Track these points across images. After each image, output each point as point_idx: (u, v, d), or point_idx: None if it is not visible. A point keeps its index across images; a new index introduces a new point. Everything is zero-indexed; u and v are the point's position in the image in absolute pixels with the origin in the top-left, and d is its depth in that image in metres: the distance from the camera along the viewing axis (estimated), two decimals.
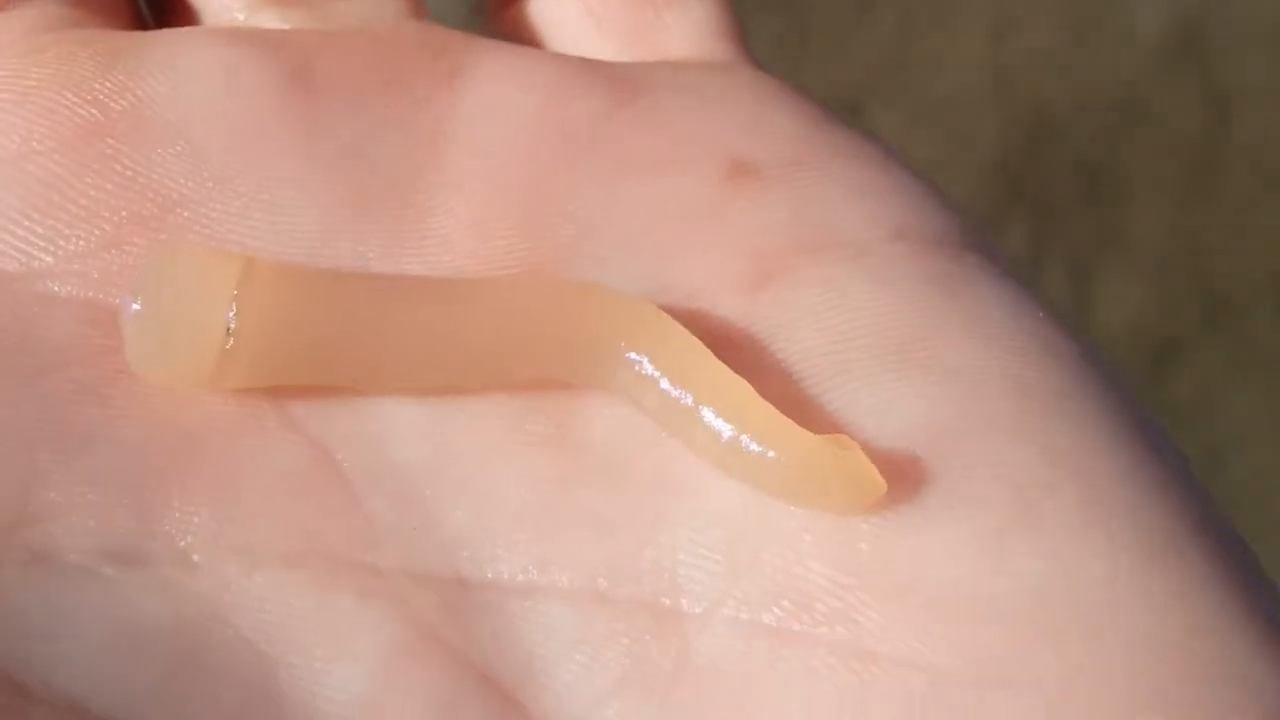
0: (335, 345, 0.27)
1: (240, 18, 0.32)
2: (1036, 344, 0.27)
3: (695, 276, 0.28)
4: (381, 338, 0.27)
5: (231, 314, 0.26)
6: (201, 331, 0.26)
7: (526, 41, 0.34)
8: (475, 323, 0.27)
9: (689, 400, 0.26)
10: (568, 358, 0.27)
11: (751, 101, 0.31)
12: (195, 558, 0.24)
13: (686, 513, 0.26)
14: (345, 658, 0.24)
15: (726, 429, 0.25)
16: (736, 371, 0.26)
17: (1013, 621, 0.23)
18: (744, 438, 0.25)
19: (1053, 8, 1.06)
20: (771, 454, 0.25)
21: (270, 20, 0.31)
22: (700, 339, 0.27)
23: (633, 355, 0.26)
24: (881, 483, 0.24)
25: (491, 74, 0.30)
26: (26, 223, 0.27)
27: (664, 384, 0.26)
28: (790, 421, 0.25)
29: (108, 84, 0.28)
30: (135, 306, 0.26)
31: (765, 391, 0.26)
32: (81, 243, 0.27)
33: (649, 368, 0.26)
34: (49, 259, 0.27)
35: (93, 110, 0.28)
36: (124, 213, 0.27)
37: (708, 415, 0.26)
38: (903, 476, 0.25)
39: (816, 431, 0.25)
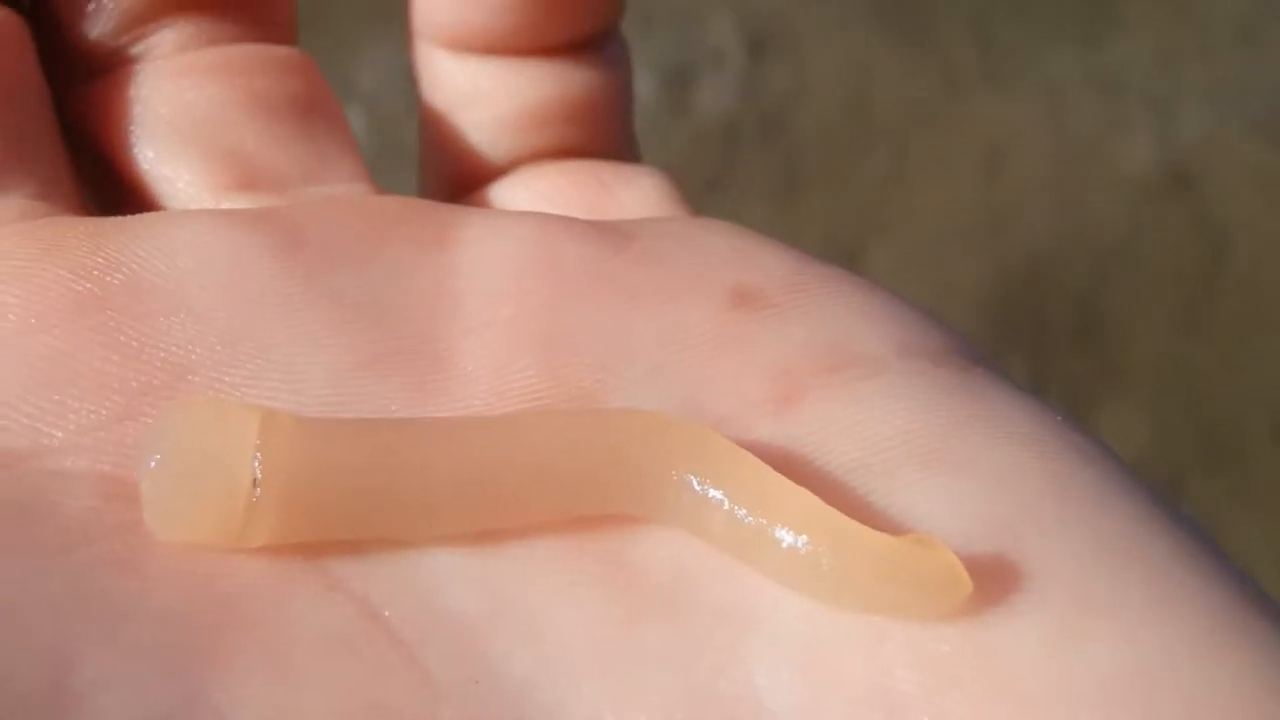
0: (373, 493, 0.25)
1: (208, 201, 0.32)
2: (1062, 444, 0.27)
3: (721, 401, 0.28)
4: (422, 482, 0.26)
5: (257, 465, 0.25)
6: (225, 486, 0.25)
7: None
8: (523, 459, 0.26)
9: (760, 520, 0.25)
10: (624, 488, 0.26)
11: (737, 240, 0.31)
12: None
13: (760, 636, 0.25)
14: None
15: (804, 544, 0.25)
16: None
17: (1097, 705, 0.23)
18: (825, 551, 0.24)
19: (1045, 146, 1.07)
20: (857, 563, 0.24)
21: (243, 204, 0.31)
22: None
23: (692, 480, 0.26)
24: (968, 580, 0.24)
25: (482, 230, 0.30)
26: (32, 399, 0.26)
27: (730, 506, 0.25)
28: (868, 528, 0.25)
29: (100, 259, 0.28)
30: (151, 464, 0.25)
31: None
32: (92, 416, 0.26)
33: (712, 491, 0.25)
34: (59, 434, 0.26)
35: (88, 284, 0.27)
36: (134, 384, 0.27)
37: (782, 532, 0.25)
38: (975, 575, 0.24)
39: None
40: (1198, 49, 1.12)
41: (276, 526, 0.25)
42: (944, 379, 0.28)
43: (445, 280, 0.29)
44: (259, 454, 0.25)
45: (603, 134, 0.36)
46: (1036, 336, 1.01)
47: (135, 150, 0.32)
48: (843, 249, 1.02)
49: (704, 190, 1.04)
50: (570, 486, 0.26)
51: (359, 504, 0.25)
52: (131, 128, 0.32)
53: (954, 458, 0.26)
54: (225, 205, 0.32)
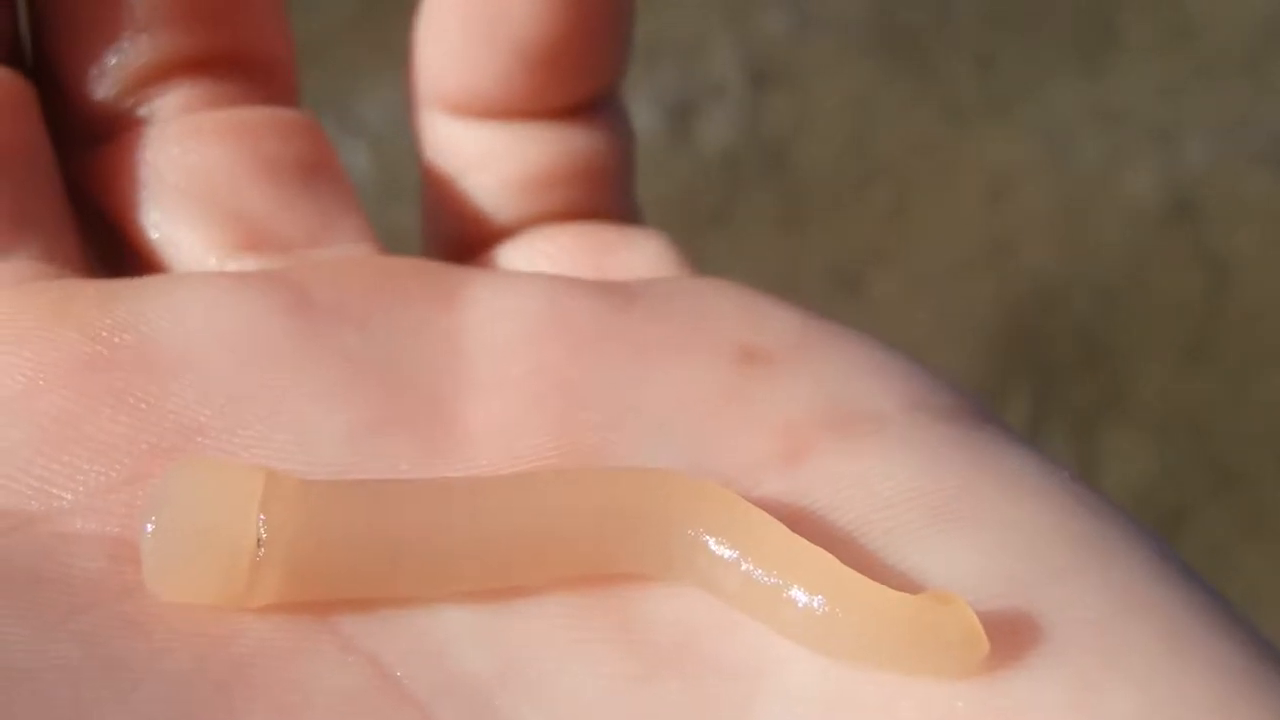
0: (379, 553, 0.25)
1: (214, 263, 0.32)
2: (1072, 499, 0.27)
3: (730, 458, 0.28)
4: (429, 543, 0.25)
5: (261, 524, 0.25)
6: (228, 546, 0.25)
7: None
8: (533, 519, 0.26)
9: (776, 579, 0.25)
10: (637, 548, 0.26)
11: (742, 298, 0.31)
12: None
13: (771, 694, 0.25)
14: None
15: (821, 603, 0.24)
16: None
17: None
18: (840, 609, 0.24)
19: (1047, 177, 1.07)
20: (876, 622, 0.24)
21: (249, 266, 0.31)
22: None
23: (706, 538, 0.25)
24: (985, 640, 0.24)
25: (489, 289, 0.30)
26: (42, 460, 0.26)
27: (745, 565, 0.25)
28: (885, 587, 0.25)
29: (109, 320, 0.28)
30: (150, 525, 0.25)
31: None
32: (102, 478, 0.26)
33: (726, 550, 0.25)
34: (69, 496, 0.26)
35: (97, 346, 0.27)
36: (143, 445, 0.26)
37: (798, 592, 0.25)
38: (988, 630, 0.24)
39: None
40: (1200, 80, 1.12)
41: (281, 586, 0.25)
42: (951, 434, 0.28)
43: (453, 339, 0.29)
44: (263, 514, 0.25)
45: (605, 196, 0.36)
46: (1041, 367, 1.01)
47: (140, 213, 0.33)
48: (845, 280, 1.02)
49: (707, 222, 1.04)
50: (581, 546, 0.26)
51: (365, 564, 0.25)
52: (137, 190, 0.33)
53: (964, 513, 0.26)
54: (231, 267, 0.32)
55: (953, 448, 0.28)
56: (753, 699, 0.25)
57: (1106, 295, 1.04)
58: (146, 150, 0.33)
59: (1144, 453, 0.98)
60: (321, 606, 0.25)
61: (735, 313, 0.31)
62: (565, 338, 0.29)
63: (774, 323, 0.30)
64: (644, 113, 1.04)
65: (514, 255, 0.35)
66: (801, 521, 0.26)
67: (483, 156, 0.35)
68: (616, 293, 0.31)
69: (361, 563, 0.25)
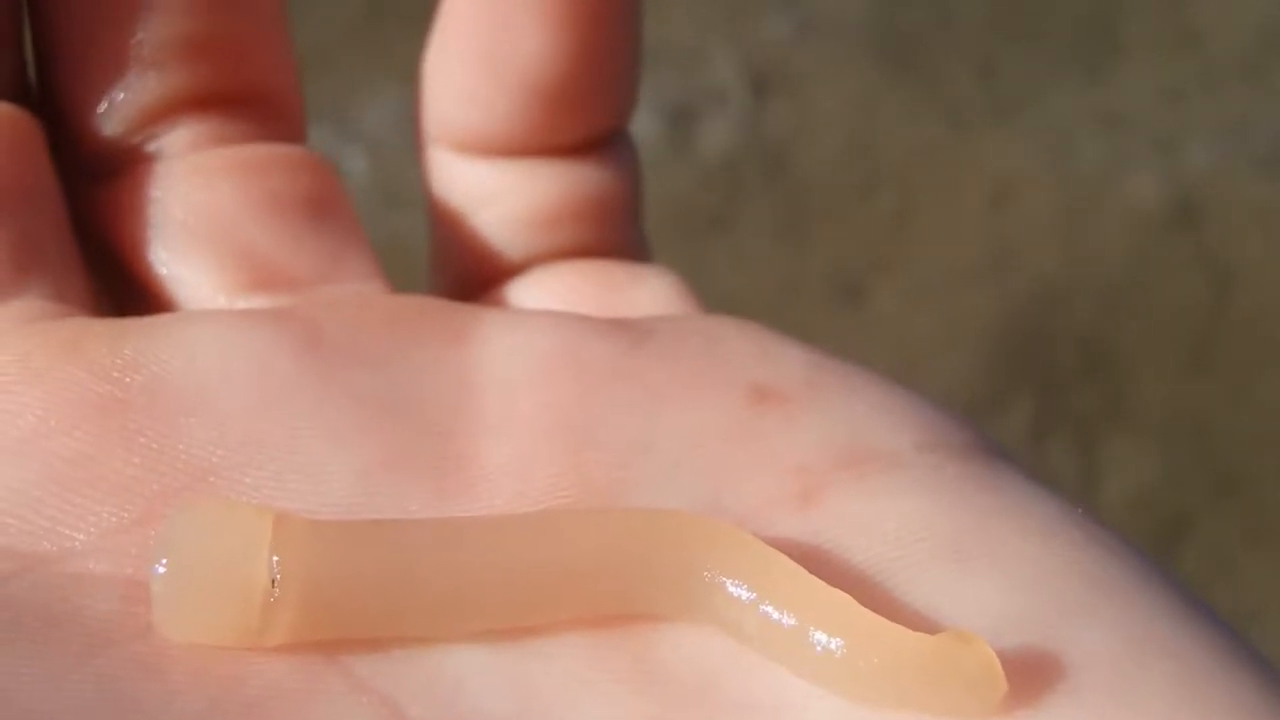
0: (394, 592, 0.25)
1: (222, 301, 0.32)
2: (1086, 537, 0.27)
3: (744, 499, 0.28)
4: (443, 582, 0.25)
5: (276, 564, 0.25)
6: (240, 586, 0.25)
7: None
8: (547, 560, 0.26)
9: (793, 620, 0.25)
10: (653, 589, 0.26)
11: (753, 337, 0.31)
12: None
13: None
14: None
15: (839, 644, 0.24)
16: None
17: None
18: (860, 650, 0.24)
19: (1049, 182, 1.07)
20: (895, 663, 0.24)
21: (258, 304, 0.32)
22: None
23: (724, 580, 0.25)
24: (1003, 679, 0.24)
25: (500, 327, 0.30)
26: (54, 501, 0.26)
27: (764, 607, 0.25)
28: (902, 628, 0.25)
29: (119, 360, 0.28)
30: (161, 568, 0.25)
31: None
32: (113, 519, 0.26)
33: (744, 592, 0.25)
34: (82, 537, 0.26)
35: (108, 386, 0.27)
36: (155, 486, 0.26)
37: (816, 633, 0.25)
38: (1006, 670, 0.24)
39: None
40: (1202, 85, 1.12)
41: (296, 625, 0.25)
42: (964, 472, 0.28)
43: (465, 377, 0.29)
44: (276, 554, 0.25)
45: (614, 233, 0.36)
46: (1043, 373, 1.01)
47: (148, 250, 0.32)
48: (847, 287, 1.02)
49: (707, 229, 1.04)
50: (596, 587, 0.26)
51: (379, 603, 0.25)
52: (145, 228, 0.33)
53: (979, 551, 0.26)
54: (240, 305, 0.32)
55: (967, 486, 0.28)
56: None
57: (1108, 300, 1.04)
58: (154, 187, 0.33)
59: (1146, 458, 0.98)
60: (333, 646, 0.25)
61: (747, 351, 0.31)
62: (577, 376, 0.29)
63: (786, 362, 0.30)
64: (644, 119, 1.04)
65: (522, 293, 0.35)
66: (816, 562, 0.26)
67: (491, 194, 0.35)
68: (627, 331, 0.31)
69: (375, 602, 0.25)
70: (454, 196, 0.36)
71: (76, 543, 0.26)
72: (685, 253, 0.98)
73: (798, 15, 1.12)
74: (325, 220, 0.33)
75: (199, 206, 0.32)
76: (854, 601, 0.25)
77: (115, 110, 0.33)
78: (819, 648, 0.25)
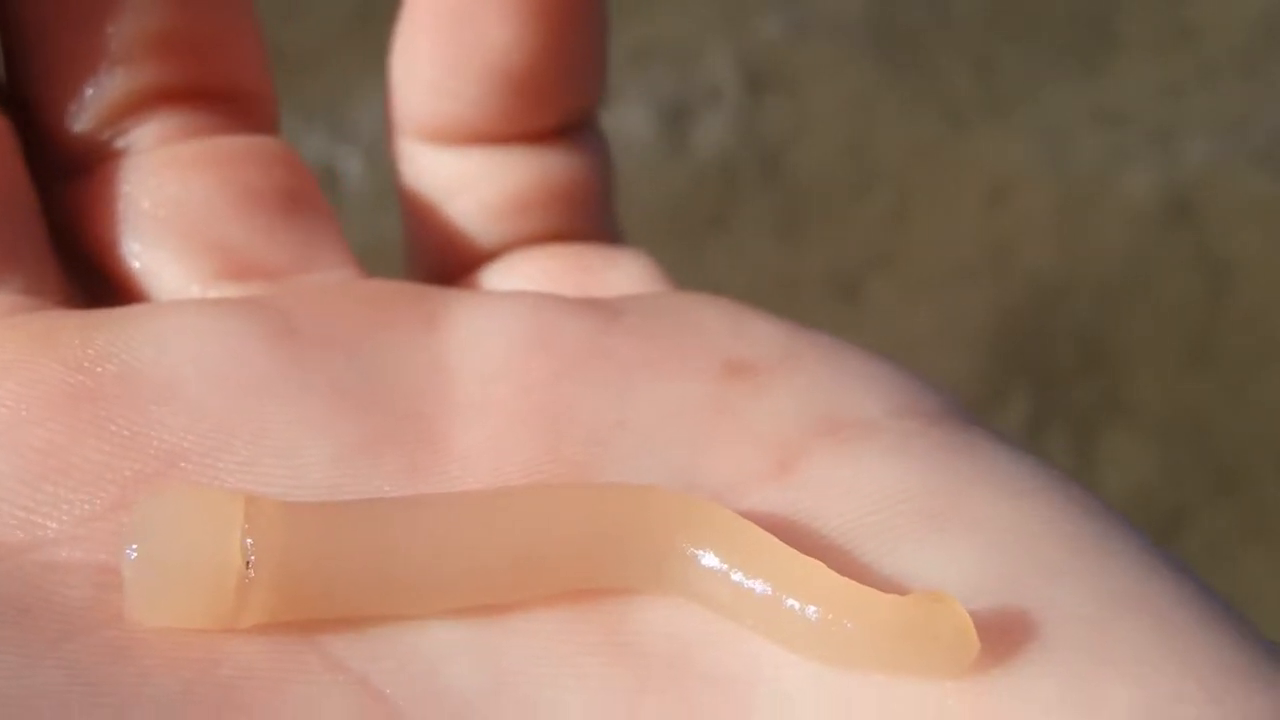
0: (369, 571, 0.25)
1: (196, 292, 0.32)
2: (1060, 498, 0.27)
3: (719, 471, 0.28)
4: (419, 560, 0.26)
5: (250, 547, 0.25)
6: (214, 568, 0.25)
7: None
8: (523, 535, 0.26)
9: (767, 589, 0.25)
10: (628, 563, 0.26)
11: (727, 312, 0.31)
12: None
13: (764, 702, 0.25)
14: None
15: (812, 610, 0.25)
16: None
17: None
18: (832, 615, 0.25)
19: (1046, 179, 1.07)
20: (869, 626, 0.24)
21: (231, 293, 0.32)
22: None
23: (698, 553, 0.26)
24: (976, 638, 0.24)
25: (473, 310, 0.30)
26: (27, 491, 0.26)
27: (738, 578, 0.25)
28: (874, 590, 0.25)
29: (91, 350, 0.28)
30: (133, 553, 0.25)
31: None
32: (87, 507, 0.26)
33: (718, 563, 0.25)
34: (54, 525, 0.26)
35: (80, 376, 0.28)
36: (127, 473, 0.27)
37: (789, 600, 0.25)
38: (980, 629, 0.24)
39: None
40: (1199, 81, 1.12)
41: (270, 606, 0.25)
42: (940, 438, 0.28)
43: (438, 360, 0.29)
44: (250, 535, 0.25)
45: (585, 218, 0.36)
46: (1041, 370, 1.01)
47: (121, 245, 0.33)
48: (844, 285, 1.02)
49: (704, 228, 1.04)
50: (571, 562, 0.26)
51: (353, 582, 0.25)
52: (116, 222, 0.33)
53: (955, 514, 0.26)
54: (213, 295, 0.32)
55: (943, 451, 0.28)
56: (746, 708, 0.25)
57: (1106, 297, 1.04)
58: (125, 182, 0.33)
59: (1144, 455, 0.98)
60: (308, 627, 0.25)
61: (720, 326, 0.31)
62: (550, 357, 0.29)
63: (759, 335, 0.31)
64: (639, 118, 1.04)
65: (496, 278, 0.35)
66: (792, 531, 0.26)
67: (461, 182, 0.35)
68: (600, 310, 0.31)
69: (349, 581, 0.25)
70: (425, 186, 0.36)
71: (49, 531, 0.26)
72: (682, 251, 0.98)
73: (793, 13, 1.12)
74: (297, 211, 0.33)
75: (171, 199, 0.32)
76: (826, 568, 0.25)
77: (86, 106, 0.33)
78: (792, 614, 0.25)
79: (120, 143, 0.33)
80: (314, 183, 0.34)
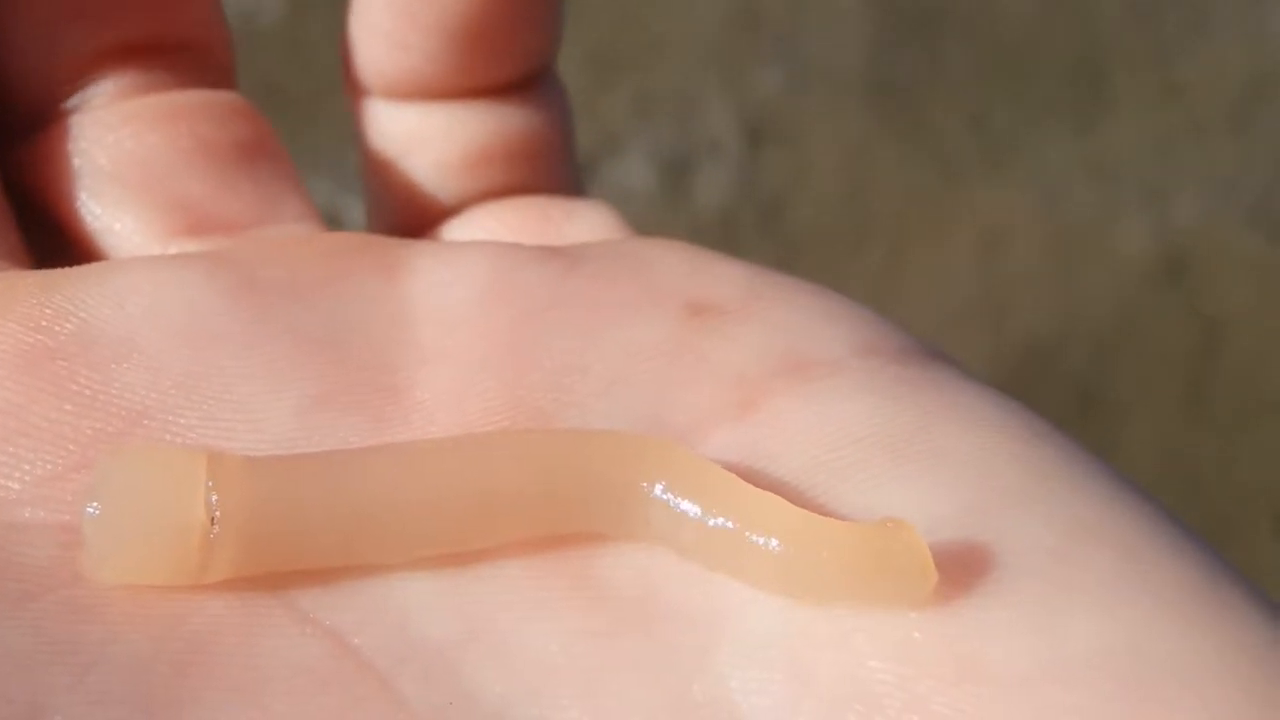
0: (335, 522, 0.25)
1: (156, 249, 0.32)
2: (1025, 430, 0.27)
3: (682, 412, 0.28)
4: (383, 509, 0.25)
5: (215, 503, 0.25)
6: (178, 524, 0.25)
7: None
8: (487, 482, 0.26)
9: (727, 524, 0.25)
10: (592, 507, 0.26)
11: (688, 255, 0.31)
12: None
13: (730, 641, 0.25)
14: None
15: (772, 542, 0.25)
16: None
17: (1081, 684, 0.23)
18: (791, 546, 0.25)
19: (1040, 231, 1.08)
20: (826, 555, 0.24)
21: (191, 248, 0.31)
22: None
23: (660, 493, 0.26)
24: (932, 564, 0.24)
25: (434, 260, 0.30)
26: None
27: (699, 516, 0.25)
28: (834, 520, 0.25)
29: (49, 309, 0.28)
30: (93, 510, 0.24)
31: None
32: (49, 466, 0.26)
33: (680, 503, 0.26)
34: (16, 486, 0.26)
35: (38, 336, 0.27)
36: (89, 432, 0.26)
37: (749, 534, 0.25)
38: (941, 559, 0.24)
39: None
40: (1191, 137, 1.13)
41: (235, 561, 0.25)
42: (903, 374, 0.28)
43: (399, 310, 0.29)
44: (214, 491, 0.25)
45: (546, 172, 0.36)
46: None
47: (79, 203, 0.32)
48: None
49: None
50: (535, 507, 0.26)
51: (320, 534, 0.25)
52: (73, 180, 0.32)
53: (919, 448, 0.26)
54: (173, 251, 0.31)
55: (907, 387, 0.28)
56: (713, 645, 0.25)
57: (1099, 349, 1.04)
58: (81, 138, 0.32)
59: None
60: (276, 580, 0.25)
61: (682, 269, 0.31)
62: (511, 303, 0.29)
63: (721, 277, 0.30)
64: (639, 170, 1.05)
65: (457, 232, 0.35)
66: (756, 469, 0.27)
67: (420, 138, 0.35)
68: (560, 256, 0.31)
69: (316, 532, 0.25)
70: (384, 143, 0.36)
71: (10, 492, 0.26)
72: None
73: (792, 67, 1.13)
74: (257, 164, 0.33)
75: (127, 155, 0.32)
76: (785, 502, 0.25)
77: (39, 64, 0.32)
78: (751, 548, 0.25)
79: (75, 100, 0.33)
80: (273, 135, 0.34)
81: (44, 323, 0.27)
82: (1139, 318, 1.05)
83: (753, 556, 0.25)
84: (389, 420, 0.28)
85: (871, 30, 1.15)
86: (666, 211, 1.06)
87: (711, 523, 0.25)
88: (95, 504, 0.25)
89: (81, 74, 0.33)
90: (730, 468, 0.26)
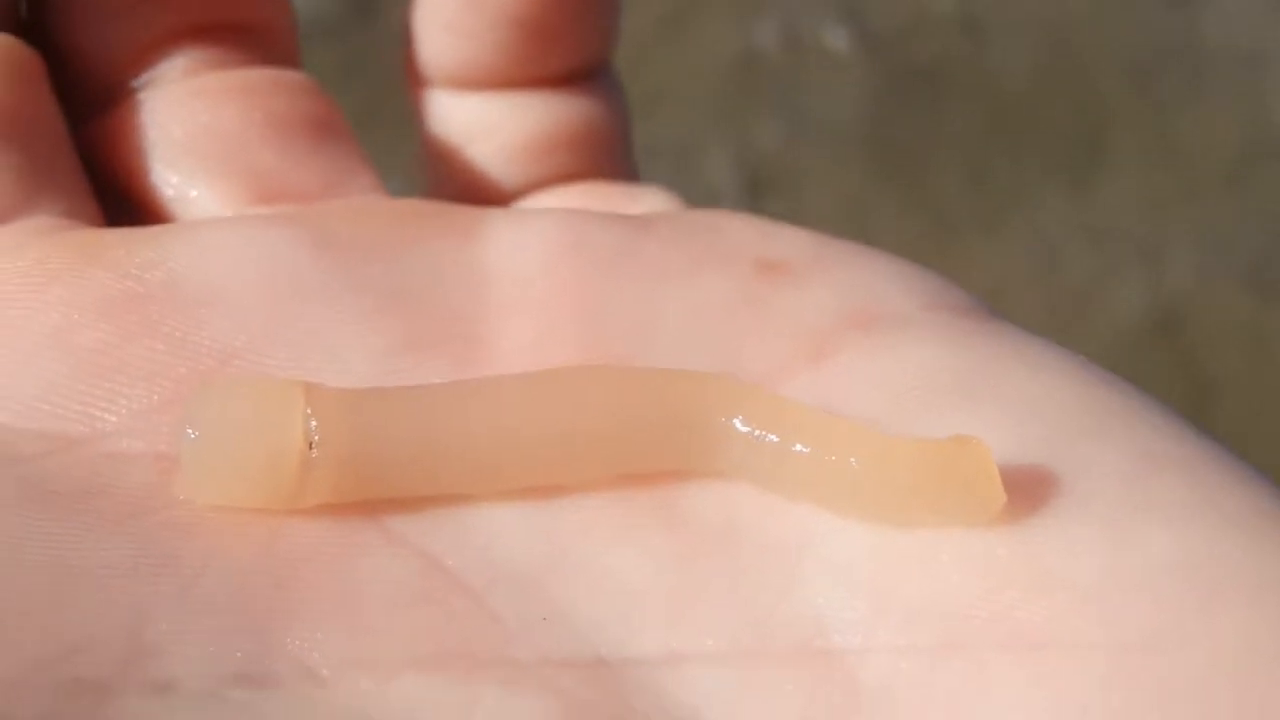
0: (428, 453, 0.26)
1: (230, 216, 0.32)
2: (1090, 374, 0.28)
3: (755, 361, 0.29)
4: (478, 438, 0.26)
5: (314, 428, 0.25)
6: (275, 449, 0.25)
7: None
8: (580, 412, 0.27)
9: (805, 449, 0.26)
10: (677, 441, 0.27)
11: (753, 222, 0.32)
12: (324, 672, 0.24)
13: (815, 563, 0.26)
14: None
15: (847, 459, 0.26)
16: None
17: (1156, 592, 0.24)
18: (866, 462, 0.25)
19: (1035, 290, 1.08)
20: (899, 466, 0.25)
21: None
22: None
23: (738, 425, 0.26)
24: (999, 478, 0.25)
25: (507, 222, 0.31)
26: (83, 388, 0.27)
27: (775, 441, 0.26)
28: (904, 437, 0.26)
29: (137, 260, 0.28)
30: (192, 433, 0.25)
31: None
32: (144, 401, 0.27)
33: (757, 432, 0.26)
34: (113, 419, 0.26)
35: (128, 283, 0.28)
36: (181, 370, 0.27)
37: (826, 454, 0.26)
38: (1017, 484, 0.25)
39: None
40: (1185, 199, 1.13)
41: (332, 486, 0.26)
42: (970, 326, 0.29)
43: (476, 267, 0.30)
44: (313, 418, 0.25)
45: (604, 161, 0.37)
46: None
47: (154, 174, 0.33)
48: None
49: None
50: (619, 442, 0.27)
51: (413, 463, 0.26)
52: (148, 151, 0.33)
53: (988, 389, 0.27)
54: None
55: (974, 337, 0.29)
56: (798, 568, 0.25)
57: None
58: (156, 112, 0.33)
59: None
60: (367, 508, 0.26)
61: (750, 232, 0.31)
62: (584, 261, 0.30)
63: (789, 239, 0.31)
64: None
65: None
66: (830, 410, 0.27)
67: (482, 126, 0.36)
68: (630, 221, 0.31)
69: (409, 462, 0.26)
70: (447, 132, 0.37)
71: (109, 424, 0.26)
72: None
73: (791, 119, 1.14)
74: (325, 139, 0.34)
75: (202, 127, 0.33)
76: (858, 425, 0.26)
77: (110, 42, 0.33)
78: (824, 467, 0.26)
79: (145, 77, 0.33)
80: (340, 114, 0.35)
81: (133, 270, 0.28)
82: (1132, 377, 1.05)
83: (826, 474, 0.26)
84: (469, 367, 0.28)
85: (872, 85, 1.16)
86: None
87: (789, 447, 0.26)
88: (193, 428, 0.25)
89: (151, 53, 0.34)
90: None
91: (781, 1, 1.18)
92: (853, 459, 0.26)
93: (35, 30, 0.33)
